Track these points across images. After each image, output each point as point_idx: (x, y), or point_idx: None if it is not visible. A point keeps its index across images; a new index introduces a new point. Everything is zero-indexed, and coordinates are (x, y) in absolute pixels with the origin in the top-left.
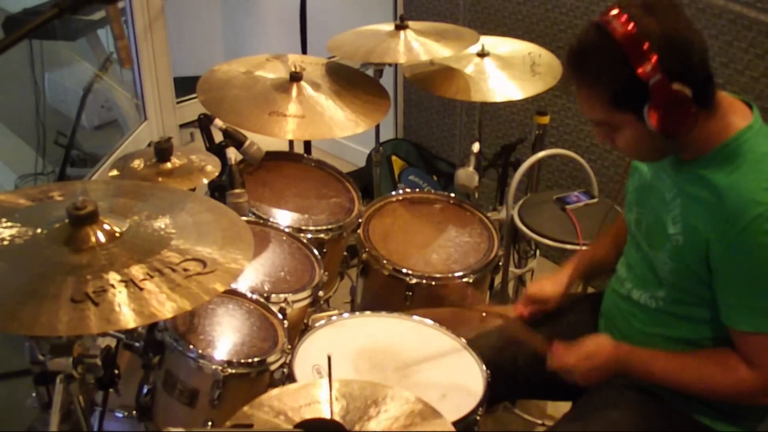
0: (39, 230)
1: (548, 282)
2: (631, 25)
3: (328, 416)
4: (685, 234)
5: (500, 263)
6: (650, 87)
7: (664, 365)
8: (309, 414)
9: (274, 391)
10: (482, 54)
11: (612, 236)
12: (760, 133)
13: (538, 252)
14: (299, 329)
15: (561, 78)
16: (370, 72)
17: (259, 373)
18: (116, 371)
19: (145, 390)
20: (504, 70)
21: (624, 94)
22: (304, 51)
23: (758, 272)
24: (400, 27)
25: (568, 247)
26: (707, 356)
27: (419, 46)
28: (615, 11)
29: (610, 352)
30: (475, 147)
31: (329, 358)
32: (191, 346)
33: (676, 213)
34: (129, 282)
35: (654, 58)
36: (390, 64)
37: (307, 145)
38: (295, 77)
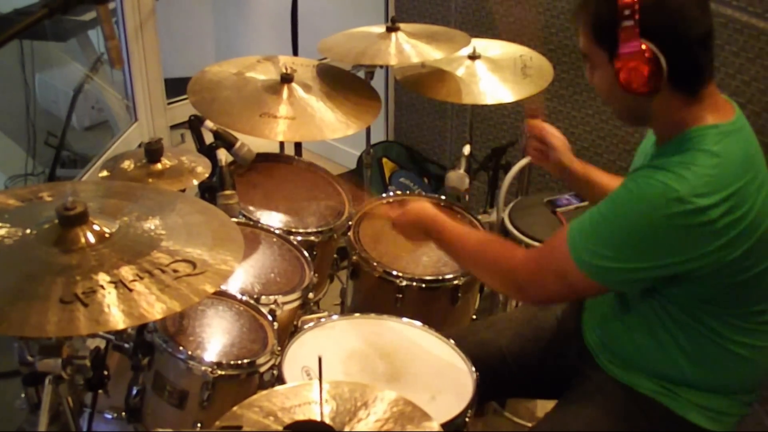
0: (28, 231)
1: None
2: None
3: (317, 418)
4: None
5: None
6: (620, 30)
7: (454, 231)
8: (299, 415)
9: (264, 392)
10: (473, 56)
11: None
12: (722, 134)
13: None
14: (289, 331)
15: (552, 80)
16: (361, 74)
17: (248, 375)
18: (105, 372)
19: (134, 391)
20: (495, 73)
21: (602, 29)
22: (295, 53)
23: (610, 209)
24: (392, 29)
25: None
26: (497, 237)
27: (410, 48)
28: None
29: (431, 207)
30: (466, 149)
31: (320, 359)
32: (181, 348)
33: None
34: (118, 283)
35: (636, 6)
36: (381, 66)
37: (298, 146)
38: (286, 79)
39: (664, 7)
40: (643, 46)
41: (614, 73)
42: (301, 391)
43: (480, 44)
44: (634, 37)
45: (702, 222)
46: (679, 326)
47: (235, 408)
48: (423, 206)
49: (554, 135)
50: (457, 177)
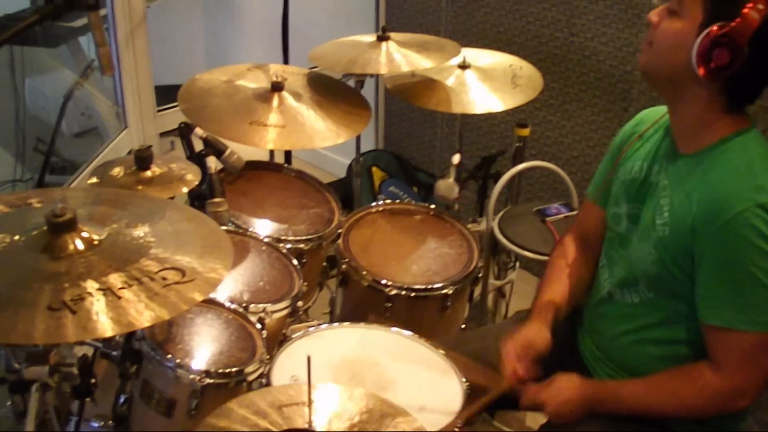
0: (17, 237)
1: (531, 333)
2: None
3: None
4: (672, 224)
5: (480, 275)
6: (742, 14)
7: (632, 389)
8: (289, 415)
9: (257, 391)
10: (463, 66)
11: (565, 277)
12: (755, 138)
13: (518, 264)
14: (278, 339)
15: (542, 90)
16: (351, 83)
17: (237, 384)
18: (93, 380)
19: (121, 399)
20: (485, 82)
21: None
22: (285, 61)
23: (736, 266)
24: (382, 38)
25: (547, 258)
26: (674, 370)
27: (401, 57)
28: None
29: (576, 387)
30: (456, 158)
31: (308, 359)
32: (169, 356)
33: (665, 203)
34: (107, 290)
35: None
36: (371, 75)
37: (288, 154)
38: (277, 87)
39: None
40: (743, 49)
41: (697, 34)
42: (290, 392)
43: (470, 53)
44: (746, 30)
45: None
46: (684, 333)
47: (229, 403)
48: (570, 379)
49: (533, 346)
50: (447, 186)
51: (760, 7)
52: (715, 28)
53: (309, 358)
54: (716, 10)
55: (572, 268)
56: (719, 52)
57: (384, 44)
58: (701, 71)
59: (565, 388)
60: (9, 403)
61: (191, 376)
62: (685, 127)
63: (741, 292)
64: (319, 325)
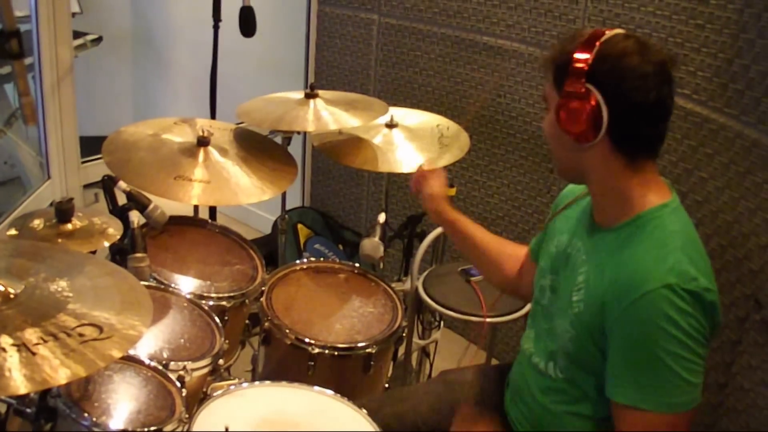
0: None
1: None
2: (609, 30)
3: None
4: (586, 300)
5: (404, 334)
6: (570, 71)
7: None
8: None
9: None
10: (391, 125)
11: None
12: (673, 213)
13: (442, 323)
14: (198, 397)
15: (468, 150)
16: (278, 139)
17: None
18: None
19: None
20: (412, 141)
21: (558, 69)
22: (213, 116)
23: (642, 346)
24: (310, 96)
25: (473, 318)
26: None
27: (328, 115)
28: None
29: None
30: (381, 217)
31: (226, 430)
32: (85, 414)
33: (581, 279)
34: (21, 346)
35: (592, 55)
36: (299, 132)
37: (213, 210)
38: (203, 142)
39: (617, 62)
40: (587, 91)
41: (556, 109)
42: None
43: (398, 113)
44: (580, 79)
45: (709, 301)
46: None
47: None
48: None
49: (431, 184)
50: (372, 245)
51: (583, 57)
52: (561, 100)
53: (227, 429)
54: (559, 81)
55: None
56: (574, 113)
57: (312, 101)
58: (577, 134)
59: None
60: None
61: None
62: (600, 200)
63: (645, 372)
64: (241, 383)
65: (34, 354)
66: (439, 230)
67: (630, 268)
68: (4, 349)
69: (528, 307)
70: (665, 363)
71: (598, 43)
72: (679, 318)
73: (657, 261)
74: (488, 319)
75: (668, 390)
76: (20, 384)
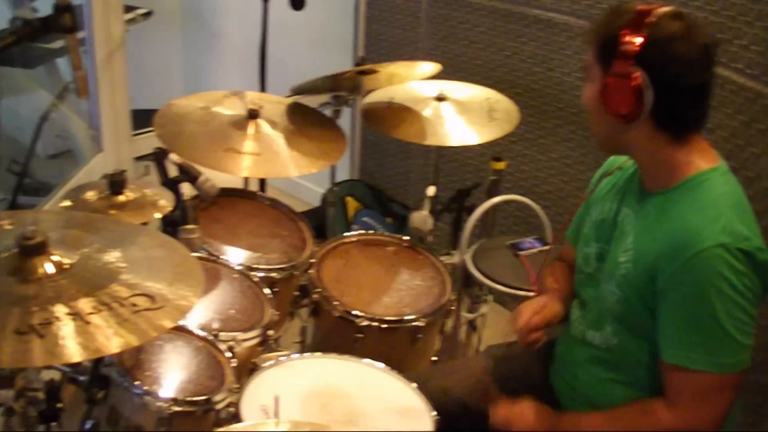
0: None
1: (544, 299)
2: (656, 7)
3: None
4: (635, 261)
5: (452, 308)
6: (618, 51)
7: (591, 422)
8: None
9: (222, 429)
10: (440, 98)
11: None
12: (723, 176)
13: (490, 297)
14: (248, 368)
15: (518, 124)
16: (328, 112)
17: (204, 412)
18: (59, 405)
19: (88, 425)
20: (461, 115)
21: (606, 45)
22: (262, 88)
23: (694, 304)
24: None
25: (520, 293)
26: (630, 405)
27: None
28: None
29: (542, 417)
30: (431, 190)
31: (276, 400)
32: (137, 382)
33: (630, 241)
34: (76, 315)
35: (641, 35)
36: (348, 103)
37: (262, 182)
38: (253, 114)
39: (666, 46)
40: (635, 73)
41: (601, 89)
42: (258, 429)
43: (447, 86)
44: (628, 61)
45: (762, 260)
46: (651, 375)
47: None
48: (534, 408)
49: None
50: (421, 218)
51: (632, 39)
52: (607, 74)
53: (277, 399)
54: (605, 57)
55: (563, 272)
56: (618, 93)
57: (362, 77)
58: (619, 115)
59: (528, 414)
60: None
61: (159, 404)
62: (648, 168)
63: (697, 332)
64: (290, 354)
65: (88, 323)
66: (488, 203)
67: (682, 228)
68: (59, 318)
69: None
70: (718, 322)
71: (647, 23)
72: (732, 277)
73: (709, 221)
74: (536, 294)
75: (719, 349)
76: (74, 352)
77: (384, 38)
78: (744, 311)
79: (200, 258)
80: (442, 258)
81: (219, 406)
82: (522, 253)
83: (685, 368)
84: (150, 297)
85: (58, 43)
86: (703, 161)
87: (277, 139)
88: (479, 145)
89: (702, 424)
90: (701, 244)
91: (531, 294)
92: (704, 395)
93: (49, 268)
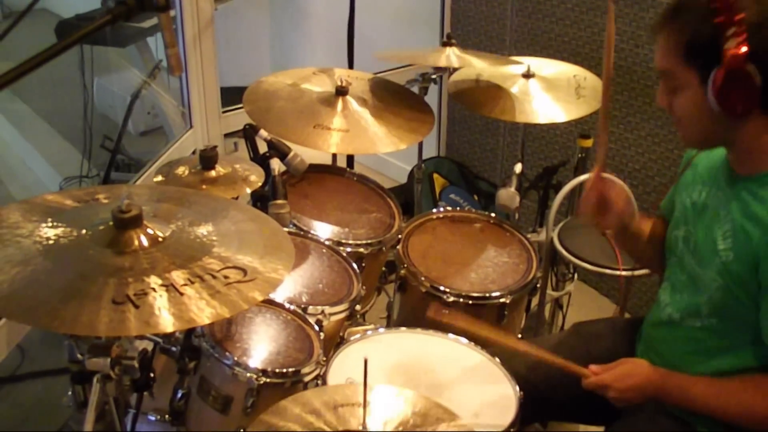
0: (84, 231)
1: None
2: None
3: (360, 421)
4: (736, 249)
5: (538, 285)
6: (726, 52)
7: (702, 390)
8: (342, 415)
9: (311, 390)
10: (527, 75)
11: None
12: None
13: (576, 275)
14: (335, 342)
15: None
16: (415, 89)
17: (293, 384)
18: (152, 374)
19: (179, 394)
20: (548, 92)
21: (698, 49)
22: (350, 65)
23: None
24: (447, 44)
25: (607, 271)
26: (747, 381)
27: (465, 57)
28: None
29: (647, 374)
30: (518, 168)
31: (365, 362)
32: (227, 354)
33: (728, 228)
34: (170, 286)
35: (743, 29)
36: (435, 81)
37: (350, 159)
38: (341, 91)
39: None
40: (749, 67)
41: (707, 93)
42: (346, 392)
43: (534, 63)
44: (739, 59)
45: None
46: (745, 358)
47: (282, 401)
48: (638, 364)
49: (620, 195)
50: (508, 195)
51: (736, 35)
52: (715, 76)
53: (366, 361)
54: (699, 59)
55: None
56: (735, 93)
57: (448, 49)
58: (734, 113)
59: (634, 373)
60: (70, 393)
61: (248, 375)
62: (742, 155)
63: None
64: (377, 328)
65: (181, 294)
66: (575, 181)
67: None
68: (153, 289)
69: None
70: None
71: (742, 15)
72: None
73: None
74: (623, 272)
75: None
76: (168, 322)
77: (471, 14)
78: None
79: (289, 233)
80: (529, 235)
81: (307, 379)
82: (609, 231)
83: None
84: (241, 270)
85: (149, 22)
86: None
87: (365, 115)
88: (566, 122)
89: None
90: None
91: (617, 273)
92: None
93: (144, 241)
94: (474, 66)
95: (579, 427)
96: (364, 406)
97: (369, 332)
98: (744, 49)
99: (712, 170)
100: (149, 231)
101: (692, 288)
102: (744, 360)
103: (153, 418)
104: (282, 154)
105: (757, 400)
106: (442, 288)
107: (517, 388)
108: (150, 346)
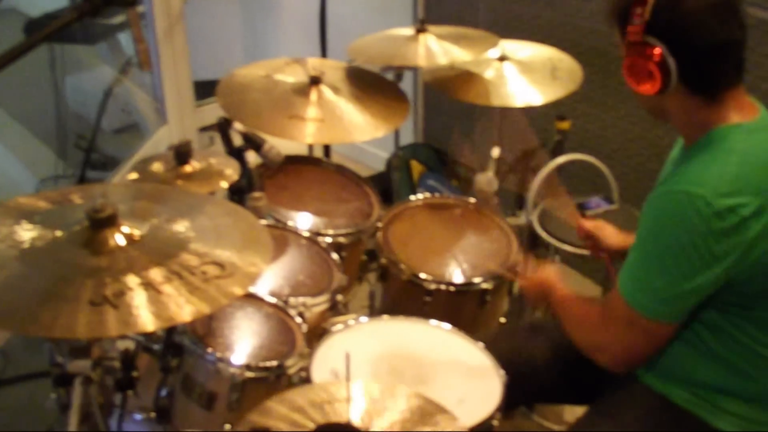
0: (58, 233)
1: (613, 234)
2: None
3: (346, 416)
4: None
5: (519, 269)
6: (629, 26)
7: (566, 298)
8: (328, 412)
9: (295, 389)
10: (502, 58)
11: None
12: (746, 133)
13: (557, 258)
14: (317, 333)
15: (582, 83)
16: (389, 76)
17: (277, 377)
18: (135, 374)
19: (163, 392)
20: (524, 75)
21: (620, 20)
22: (323, 54)
23: (644, 241)
24: (420, 30)
25: (588, 253)
26: (595, 304)
27: (439, 49)
28: None
29: (549, 287)
30: (495, 152)
31: (347, 357)
32: (210, 350)
33: None
34: (148, 285)
35: (647, 6)
36: (410, 68)
37: (327, 149)
38: (315, 81)
39: (674, 10)
40: (652, 47)
41: (625, 68)
42: (330, 389)
43: (509, 46)
44: (639, 34)
45: (735, 223)
46: (715, 333)
47: (267, 402)
48: (548, 276)
49: (597, 228)
50: (486, 180)
51: (641, 3)
52: (628, 57)
53: (348, 356)
54: (623, 34)
55: None
56: (636, 68)
57: (422, 37)
58: (644, 89)
59: (541, 282)
60: (53, 395)
61: (232, 370)
62: (684, 130)
63: (640, 263)
64: (359, 318)
65: (160, 293)
66: (553, 163)
67: (676, 179)
68: (131, 288)
69: None
70: (649, 258)
71: None
72: (699, 224)
73: (698, 172)
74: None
75: (639, 283)
76: (148, 321)
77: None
78: (688, 263)
79: (268, 225)
80: (508, 219)
81: (291, 371)
82: (589, 212)
83: (619, 294)
84: (220, 265)
85: (118, 18)
86: (736, 115)
87: (340, 104)
88: (543, 105)
89: (608, 349)
90: (677, 186)
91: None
92: (617, 321)
93: (120, 240)
94: (451, 57)
95: (564, 411)
96: (349, 402)
97: (351, 322)
98: (643, 19)
99: (679, 147)
100: (125, 230)
101: None
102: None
103: (139, 417)
104: (257, 146)
105: (584, 320)
106: (423, 276)
107: (502, 372)
108: (132, 346)
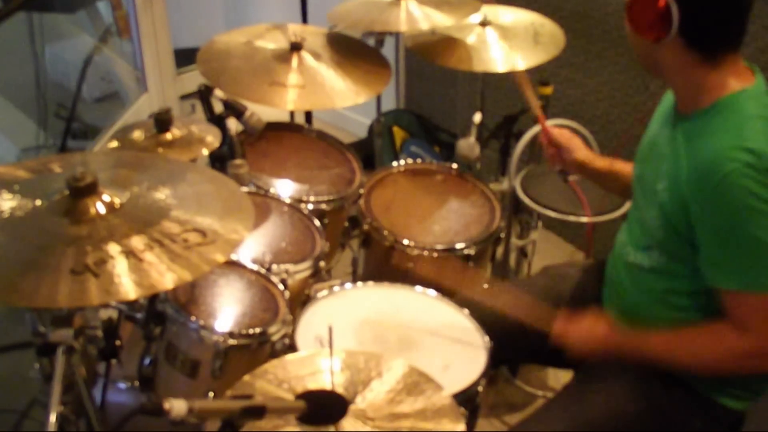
0: (38, 202)
1: (580, 148)
2: None
3: (329, 387)
4: (670, 190)
5: (502, 235)
6: None
7: (656, 344)
8: (311, 384)
9: (277, 361)
10: (484, 23)
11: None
12: (753, 98)
13: (540, 223)
14: (301, 300)
15: (564, 48)
16: (371, 42)
17: (260, 344)
18: (118, 342)
19: (147, 361)
20: (506, 40)
21: None
22: (304, 21)
23: (733, 230)
24: None
25: (571, 218)
26: (698, 328)
27: (421, 14)
28: None
29: (604, 336)
30: (477, 117)
31: (330, 330)
32: (192, 318)
33: (665, 168)
34: (129, 253)
35: None
36: (391, 34)
37: (308, 115)
38: (296, 47)
39: None
40: None
41: (626, 8)
42: (313, 360)
43: (491, 11)
44: None
45: None
46: (696, 298)
47: (246, 376)
48: (598, 323)
49: (564, 136)
50: (468, 145)
51: None
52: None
53: (330, 329)
54: None
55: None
56: (640, 13)
57: (403, 2)
58: (644, 35)
59: (593, 330)
60: (37, 365)
61: (215, 338)
62: (679, 91)
63: (744, 255)
64: (343, 284)
65: (141, 260)
66: (535, 129)
67: (705, 155)
68: (112, 257)
69: (627, 206)
70: (759, 241)
71: None
72: (762, 192)
73: (734, 142)
74: (588, 219)
75: (758, 270)
76: (130, 290)
77: None
78: None
79: (249, 192)
80: (491, 185)
81: (274, 338)
82: (571, 178)
83: (743, 291)
84: (201, 232)
85: None
86: (736, 82)
87: (321, 70)
88: (525, 70)
89: (764, 349)
90: (725, 167)
91: (582, 219)
92: (756, 316)
93: (101, 208)
94: (433, 23)
95: (548, 375)
96: (332, 373)
97: (335, 288)
98: None
99: (668, 109)
100: (106, 198)
101: (642, 227)
102: (690, 301)
103: (123, 386)
104: (238, 113)
105: (707, 345)
106: (405, 241)
107: (487, 338)
108: (115, 315)
